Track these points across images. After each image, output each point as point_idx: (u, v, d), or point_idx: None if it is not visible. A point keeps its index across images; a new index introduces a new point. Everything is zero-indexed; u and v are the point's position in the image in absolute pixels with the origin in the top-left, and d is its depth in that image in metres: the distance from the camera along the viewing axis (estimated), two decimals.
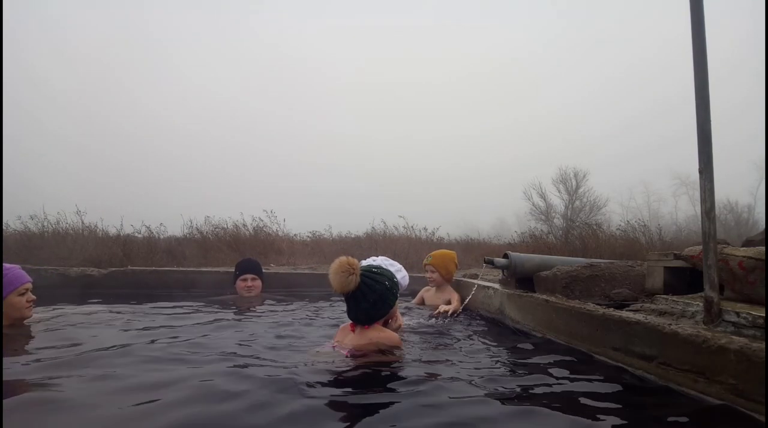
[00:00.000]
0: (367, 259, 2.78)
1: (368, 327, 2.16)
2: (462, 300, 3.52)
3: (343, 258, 2.13)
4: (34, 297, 2.61)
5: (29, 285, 2.59)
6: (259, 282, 3.91)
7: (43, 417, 1.32)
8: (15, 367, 1.77)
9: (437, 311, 3.23)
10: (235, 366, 1.85)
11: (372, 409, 1.41)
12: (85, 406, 1.39)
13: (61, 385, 1.58)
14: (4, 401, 1.37)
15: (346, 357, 2.00)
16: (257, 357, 2.03)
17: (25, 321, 2.59)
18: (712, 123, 1.80)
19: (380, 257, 2.83)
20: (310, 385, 1.60)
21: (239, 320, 3.03)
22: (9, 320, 2.50)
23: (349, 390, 1.60)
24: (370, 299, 2.11)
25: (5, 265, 2.56)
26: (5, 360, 1.83)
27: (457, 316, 3.24)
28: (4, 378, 1.61)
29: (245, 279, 3.85)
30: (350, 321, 2.21)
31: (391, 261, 2.79)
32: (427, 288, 3.81)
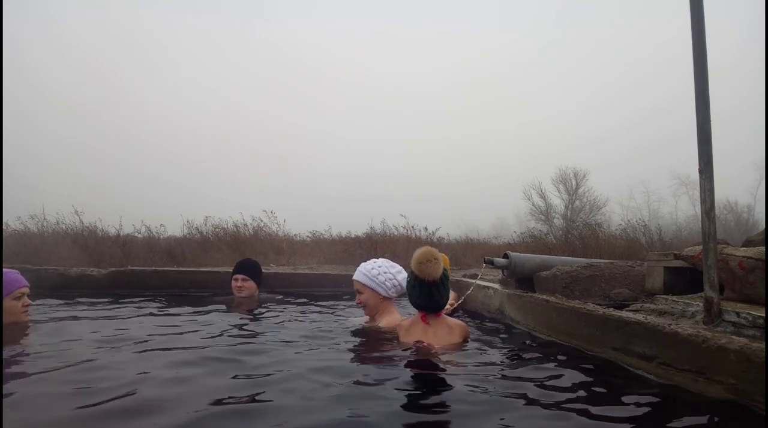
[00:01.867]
0: (368, 261, 2.78)
1: (440, 315, 2.34)
2: (458, 297, 3.51)
3: (431, 248, 2.29)
4: (29, 301, 2.52)
5: (25, 290, 2.50)
6: (250, 283, 3.87)
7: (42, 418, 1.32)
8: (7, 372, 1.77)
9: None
10: (237, 366, 1.85)
11: (367, 405, 1.41)
12: (81, 407, 1.39)
13: (58, 386, 1.58)
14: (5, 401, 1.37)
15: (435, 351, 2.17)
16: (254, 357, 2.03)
17: (21, 326, 2.48)
18: (711, 123, 1.80)
19: (381, 259, 2.83)
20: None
21: (232, 320, 3.02)
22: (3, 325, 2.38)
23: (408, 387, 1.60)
24: (446, 286, 2.32)
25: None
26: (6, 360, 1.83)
27: (455, 313, 3.24)
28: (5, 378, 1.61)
29: (236, 279, 3.83)
30: (410, 317, 2.36)
31: (392, 263, 2.80)
32: None
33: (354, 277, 2.75)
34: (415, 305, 2.35)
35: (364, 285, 2.70)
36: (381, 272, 2.70)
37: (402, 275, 2.73)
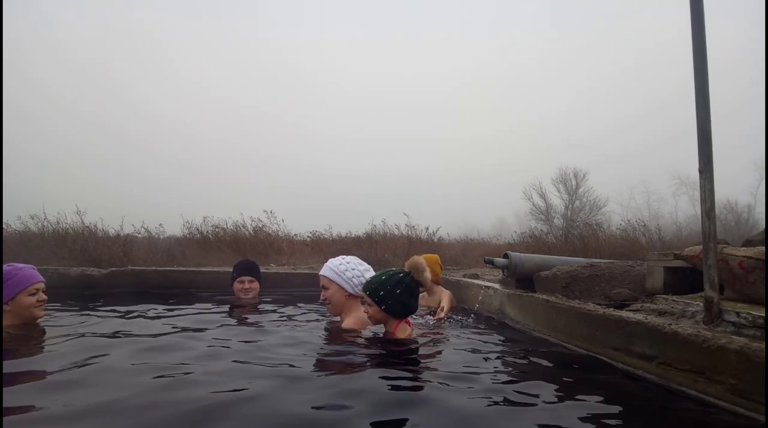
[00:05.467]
0: (336, 258, 2.72)
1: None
2: (451, 298, 3.50)
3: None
4: (45, 297, 2.60)
5: (40, 285, 2.57)
6: (256, 284, 3.89)
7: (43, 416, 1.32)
8: (22, 365, 1.78)
9: (437, 317, 3.18)
10: (239, 364, 1.85)
11: (372, 407, 1.41)
12: (85, 405, 1.39)
13: (64, 384, 1.58)
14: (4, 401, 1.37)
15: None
16: (260, 357, 2.02)
17: (37, 321, 2.58)
18: (712, 122, 1.80)
19: (350, 256, 2.77)
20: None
21: (236, 322, 3.02)
22: (20, 319, 2.49)
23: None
24: None
25: (17, 265, 2.56)
26: (9, 360, 1.83)
27: (449, 318, 3.22)
28: (7, 377, 1.61)
29: (242, 282, 3.84)
30: (411, 328, 2.47)
31: (361, 261, 2.75)
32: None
33: (320, 272, 2.66)
34: (410, 312, 2.40)
35: (330, 280, 2.61)
36: (349, 268, 2.63)
37: (370, 273, 2.65)
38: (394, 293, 2.33)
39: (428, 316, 3.22)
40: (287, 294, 4.25)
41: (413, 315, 3.03)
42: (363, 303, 2.44)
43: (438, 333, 2.72)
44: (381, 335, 2.43)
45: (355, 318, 2.57)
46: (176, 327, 2.71)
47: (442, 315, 3.15)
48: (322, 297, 2.65)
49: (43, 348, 2.18)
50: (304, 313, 3.37)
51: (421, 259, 2.44)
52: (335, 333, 2.56)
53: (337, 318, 2.71)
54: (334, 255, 2.82)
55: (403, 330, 2.40)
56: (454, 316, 3.29)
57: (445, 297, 3.50)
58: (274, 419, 1.33)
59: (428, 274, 2.43)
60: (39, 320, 2.60)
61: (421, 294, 3.73)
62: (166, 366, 1.82)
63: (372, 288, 2.39)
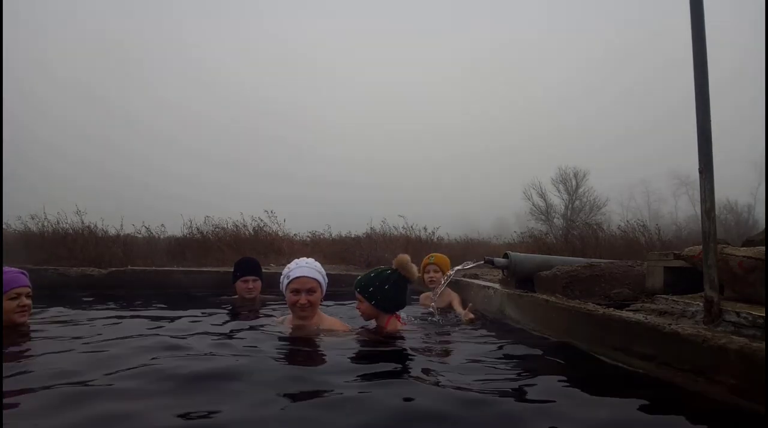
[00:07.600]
0: (306, 259, 2.68)
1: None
2: (462, 300, 3.52)
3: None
4: (28, 302, 2.46)
5: (23, 290, 2.45)
6: (259, 284, 3.91)
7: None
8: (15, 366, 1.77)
9: (467, 318, 3.14)
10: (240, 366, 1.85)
11: (370, 407, 1.41)
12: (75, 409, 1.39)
13: (51, 389, 1.57)
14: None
15: None
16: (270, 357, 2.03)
17: (20, 328, 2.43)
18: (713, 125, 1.80)
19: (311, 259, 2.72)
20: None
21: (242, 321, 3.02)
22: None
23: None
24: None
25: (4, 268, 2.44)
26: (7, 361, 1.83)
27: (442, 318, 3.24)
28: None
29: (246, 281, 3.85)
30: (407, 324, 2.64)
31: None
32: (427, 294, 3.80)
33: (310, 275, 2.54)
34: (399, 306, 2.56)
35: (319, 283, 2.57)
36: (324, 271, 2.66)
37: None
38: (383, 289, 2.49)
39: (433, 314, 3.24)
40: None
41: (432, 317, 3.08)
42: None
43: (440, 332, 2.74)
44: (373, 330, 2.55)
45: (336, 319, 2.71)
46: (176, 328, 2.71)
47: (472, 316, 3.11)
48: (305, 301, 2.49)
49: (35, 347, 2.15)
50: None
51: (406, 257, 2.58)
52: (331, 333, 2.56)
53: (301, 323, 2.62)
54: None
55: (393, 325, 2.53)
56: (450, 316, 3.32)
57: (455, 298, 3.54)
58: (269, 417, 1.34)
59: (415, 270, 2.54)
60: (21, 326, 2.45)
61: (426, 294, 3.78)
62: (167, 368, 1.82)
63: (362, 285, 2.55)
